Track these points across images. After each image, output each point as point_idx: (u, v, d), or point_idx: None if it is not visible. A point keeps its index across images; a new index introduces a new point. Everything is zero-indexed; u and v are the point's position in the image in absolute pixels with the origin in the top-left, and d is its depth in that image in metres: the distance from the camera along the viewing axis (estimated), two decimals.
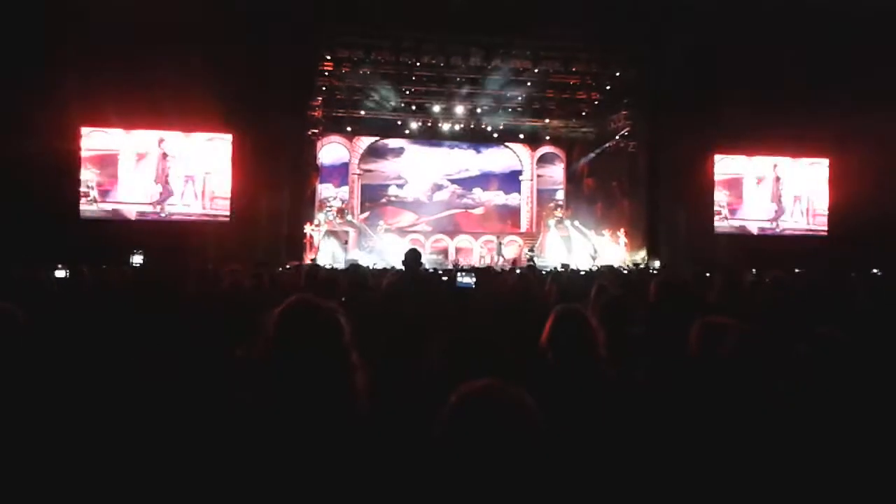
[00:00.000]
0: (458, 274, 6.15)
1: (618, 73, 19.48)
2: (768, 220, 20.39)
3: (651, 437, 2.27)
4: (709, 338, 2.59)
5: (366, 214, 22.89)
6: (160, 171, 17.51)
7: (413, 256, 5.63)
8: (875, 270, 10.53)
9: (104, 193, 17.13)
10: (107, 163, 17.17)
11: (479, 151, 23.75)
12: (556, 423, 1.48)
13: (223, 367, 2.63)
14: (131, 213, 17.27)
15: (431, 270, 13.02)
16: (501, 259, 20.86)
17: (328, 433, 1.74)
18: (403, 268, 5.68)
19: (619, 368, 2.70)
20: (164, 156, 17.55)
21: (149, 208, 17.39)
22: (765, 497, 2.05)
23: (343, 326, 1.89)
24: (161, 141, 17.52)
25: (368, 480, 1.68)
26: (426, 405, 2.23)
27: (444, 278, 7.73)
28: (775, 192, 20.50)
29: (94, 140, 17.11)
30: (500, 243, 21.94)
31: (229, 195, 17.63)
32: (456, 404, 1.43)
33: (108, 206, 17.12)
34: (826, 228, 20.31)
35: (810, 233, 20.37)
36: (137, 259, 13.12)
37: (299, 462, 1.69)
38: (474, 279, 5.83)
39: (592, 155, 21.84)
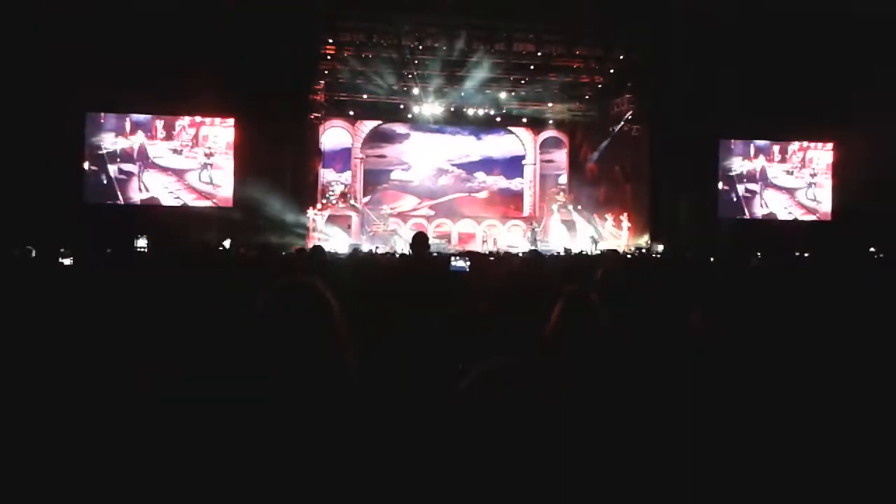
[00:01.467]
0: (452, 258, 6.13)
1: (621, 57, 19.37)
2: (772, 205, 20.36)
3: (657, 420, 2.29)
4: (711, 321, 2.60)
5: (367, 198, 22.87)
6: (162, 156, 17.54)
7: (420, 240, 5.61)
8: (872, 249, 10.47)
9: (107, 179, 17.16)
10: (111, 148, 17.19)
11: (481, 137, 23.66)
12: (565, 405, 1.48)
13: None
14: (134, 198, 17.31)
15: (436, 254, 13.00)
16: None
17: (315, 399, 1.78)
18: (410, 251, 5.66)
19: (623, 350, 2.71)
20: (166, 140, 17.57)
21: (151, 193, 17.43)
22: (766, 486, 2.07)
23: (331, 303, 1.95)
24: (163, 125, 17.53)
25: (359, 446, 1.71)
26: (425, 377, 2.26)
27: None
28: (779, 176, 20.45)
29: (98, 126, 17.13)
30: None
31: (232, 179, 17.66)
32: (474, 382, 1.43)
33: (111, 192, 17.16)
34: (830, 213, 20.28)
35: (814, 217, 20.35)
36: (141, 243, 13.18)
37: (286, 431, 1.72)
38: (468, 263, 5.82)
39: (606, 143, 21.43)
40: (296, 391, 1.80)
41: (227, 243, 13.71)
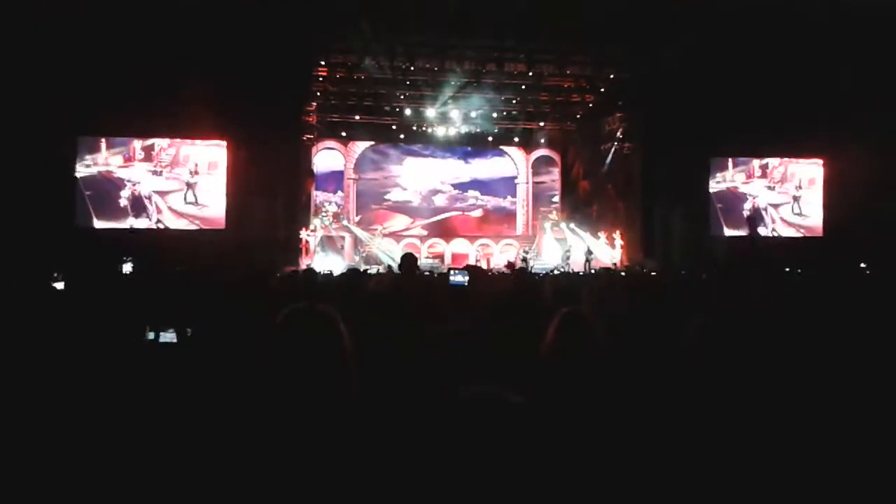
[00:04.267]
0: (451, 272, 6.16)
1: (612, 76, 19.52)
2: (765, 222, 20.44)
3: (654, 436, 2.28)
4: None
5: (358, 218, 22.87)
6: (154, 179, 17.50)
7: (409, 261, 5.61)
8: (863, 265, 10.47)
9: (99, 203, 17.10)
10: (101, 172, 17.15)
11: (473, 156, 23.75)
12: (558, 425, 1.48)
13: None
14: (126, 222, 17.23)
15: (427, 273, 12.96)
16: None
17: (321, 421, 1.82)
18: (400, 272, 5.67)
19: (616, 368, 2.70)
20: (159, 163, 17.56)
21: (144, 217, 17.37)
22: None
23: (340, 329, 2.00)
24: (155, 149, 17.53)
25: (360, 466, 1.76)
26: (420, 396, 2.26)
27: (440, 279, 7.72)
28: (770, 193, 20.56)
29: (89, 149, 17.10)
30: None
31: (224, 202, 17.63)
32: (452, 410, 1.43)
33: (103, 216, 17.09)
34: (822, 229, 20.38)
35: (806, 233, 20.45)
36: (127, 267, 13.05)
37: (292, 451, 1.76)
38: (467, 277, 5.82)
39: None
40: (302, 413, 1.84)
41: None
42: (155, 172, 17.58)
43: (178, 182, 17.70)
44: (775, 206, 20.53)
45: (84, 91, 14.81)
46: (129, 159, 17.44)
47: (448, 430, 1.41)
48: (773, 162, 20.55)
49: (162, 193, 17.58)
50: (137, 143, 17.46)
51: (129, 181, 17.32)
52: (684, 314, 3.07)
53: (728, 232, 19.99)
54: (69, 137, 16.56)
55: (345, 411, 1.87)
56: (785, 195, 20.58)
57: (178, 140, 17.65)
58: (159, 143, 17.62)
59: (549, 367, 2.71)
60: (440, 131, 22.18)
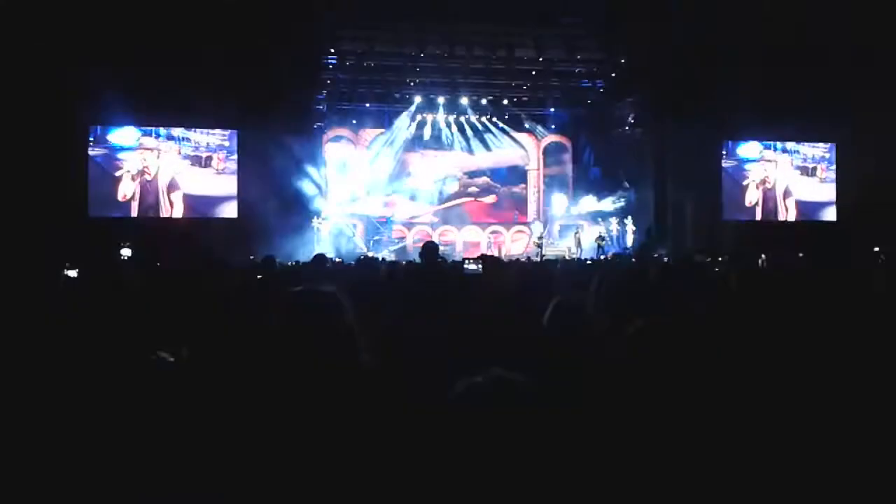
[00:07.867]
0: (465, 262, 6.19)
1: (623, 60, 19.39)
2: (777, 206, 20.32)
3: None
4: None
5: (371, 206, 22.84)
6: (166, 168, 17.55)
7: (430, 251, 5.55)
8: (876, 249, 10.36)
9: (112, 192, 17.19)
10: (113, 161, 17.22)
11: (484, 143, 23.63)
12: (552, 411, 1.49)
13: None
14: (136, 211, 17.30)
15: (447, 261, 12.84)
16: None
17: (330, 400, 1.86)
18: (420, 261, 5.62)
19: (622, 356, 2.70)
20: (170, 153, 17.61)
21: (154, 206, 17.44)
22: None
23: (344, 307, 2.05)
24: (167, 138, 17.59)
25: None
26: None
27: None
28: (783, 178, 20.41)
29: (101, 137, 17.17)
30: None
31: (236, 191, 17.69)
32: (460, 397, 1.44)
33: (115, 205, 17.17)
34: (835, 213, 20.24)
35: (818, 218, 20.31)
36: (126, 252, 13.11)
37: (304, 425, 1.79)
38: (480, 266, 5.85)
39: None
40: (310, 392, 1.86)
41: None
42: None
43: (195, 170, 17.62)
44: (796, 190, 20.33)
45: (95, 79, 14.85)
46: (149, 152, 17.35)
47: (454, 416, 1.43)
48: (796, 147, 20.41)
49: (179, 184, 17.53)
50: (158, 131, 17.42)
51: (139, 171, 17.25)
52: (694, 300, 3.07)
53: (736, 217, 19.90)
54: (81, 127, 16.64)
55: (352, 391, 1.89)
56: (805, 179, 20.36)
57: (191, 129, 17.66)
58: (178, 131, 17.54)
59: (543, 355, 2.72)
60: (451, 118, 22.15)
